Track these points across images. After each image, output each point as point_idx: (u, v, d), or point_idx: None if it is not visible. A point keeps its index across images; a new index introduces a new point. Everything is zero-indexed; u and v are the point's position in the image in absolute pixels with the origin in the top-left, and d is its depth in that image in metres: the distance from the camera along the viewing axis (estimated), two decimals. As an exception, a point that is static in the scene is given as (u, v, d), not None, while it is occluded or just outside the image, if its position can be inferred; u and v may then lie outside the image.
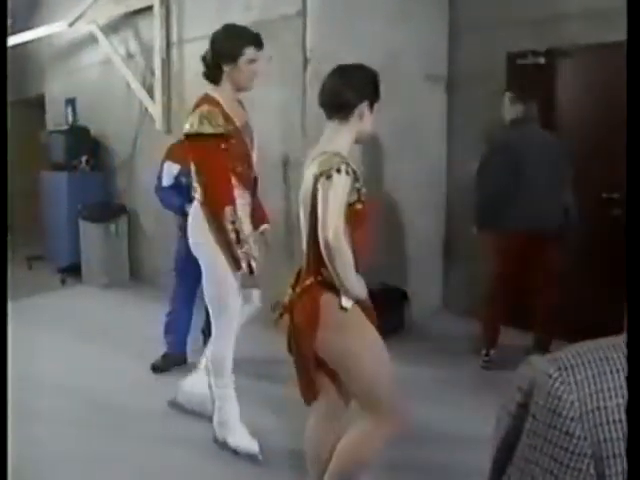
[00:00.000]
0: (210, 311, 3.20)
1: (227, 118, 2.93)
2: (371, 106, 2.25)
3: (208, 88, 3.05)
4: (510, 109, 4.18)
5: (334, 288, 2.14)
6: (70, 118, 7.38)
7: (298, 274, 2.30)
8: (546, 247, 4.18)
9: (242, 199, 3.07)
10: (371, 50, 4.40)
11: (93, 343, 4.82)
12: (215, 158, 2.90)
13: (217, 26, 5.39)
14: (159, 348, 4.32)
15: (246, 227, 3.09)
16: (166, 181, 4.24)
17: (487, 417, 1.04)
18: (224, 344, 3.18)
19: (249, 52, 2.98)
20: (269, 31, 4.78)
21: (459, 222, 5.16)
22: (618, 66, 4.37)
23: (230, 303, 3.10)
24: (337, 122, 2.24)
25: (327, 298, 2.15)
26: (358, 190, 2.15)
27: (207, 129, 2.86)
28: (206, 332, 4.42)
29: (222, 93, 3.01)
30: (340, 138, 2.23)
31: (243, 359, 3.62)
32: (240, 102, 3.17)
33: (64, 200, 6.83)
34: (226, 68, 2.97)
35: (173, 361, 4.28)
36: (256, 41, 3.01)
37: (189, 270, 4.14)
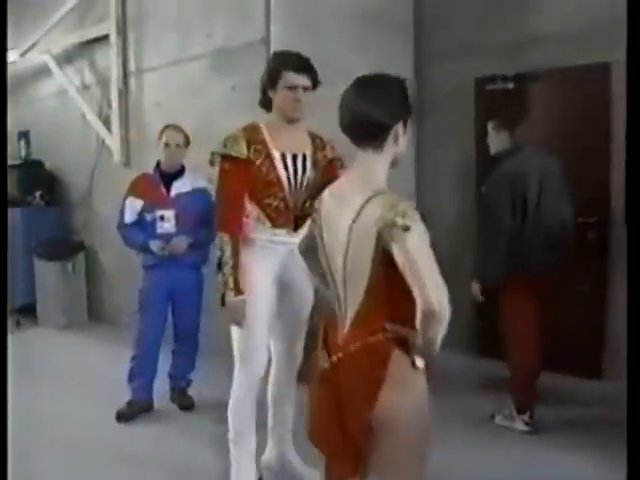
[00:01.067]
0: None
1: (258, 143, 2.74)
2: (405, 123, 1.88)
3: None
4: (496, 140, 3.89)
5: (403, 345, 1.82)
6: (23, 152, 7.08)
7: (325, 332, 1.99)
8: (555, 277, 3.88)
9: (271, 236, 2.81)
10: (336, 78, 4.25)
11: (51, 389, 4.51)
12: (225, 180, 2.77)
13: (178, 55, 5.45)
14: (123, 394, 4.06)
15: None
16: (129, 217, 4.03)
17: None
18: (238, 398, 2.90)
19: (288, 77, 2.72)
20: (232, 60, 4.70)
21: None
22: (587, 90, 4.45)
23: (248, 354, 2.84)
24: (371, 151, 1.86)
25: (397, 355, 1.81)
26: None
27: (221, 150, 2.75)
28: (173, 375, 4.20)
29: (269, 121, 2.84)
30: (378, 170, 1.87)
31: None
32: (314, 136, 2.91)
33: (18, 237, 6.51)
34: (271, 94, 2.80)
35: (139, 408, 4.03)
36: (297, 65, 2.74)
37: (155, 310, 4.01)
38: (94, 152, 6.22)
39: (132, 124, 5.80)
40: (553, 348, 4.30)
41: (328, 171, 2.86)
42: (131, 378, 4.07)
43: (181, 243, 3.92)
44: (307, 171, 2.82)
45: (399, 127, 1.85)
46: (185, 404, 4.15)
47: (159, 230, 3.95)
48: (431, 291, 1.65)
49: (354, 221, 1.80)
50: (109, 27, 5.73)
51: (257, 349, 2.83)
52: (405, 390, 1.80)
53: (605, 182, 4.35)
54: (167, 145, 3.97)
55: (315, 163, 2.84)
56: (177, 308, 4.10)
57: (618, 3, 4.13)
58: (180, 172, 4.04)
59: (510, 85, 4.66)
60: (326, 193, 2.00)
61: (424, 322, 1.68)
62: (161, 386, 4.16)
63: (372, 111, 1.80)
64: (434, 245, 1.75)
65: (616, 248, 4.36)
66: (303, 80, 2.73)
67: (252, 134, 2.76)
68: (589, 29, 4.26)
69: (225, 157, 2.73)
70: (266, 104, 2.83)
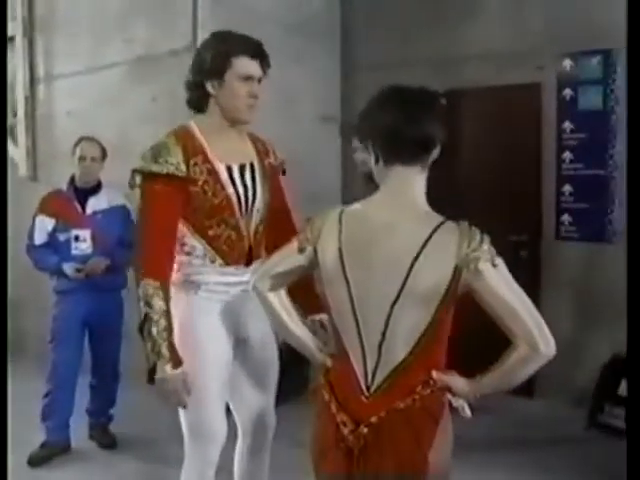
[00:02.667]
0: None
1: (196, 154, 2.08)
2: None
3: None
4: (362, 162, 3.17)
5: (448, 392, 1.63)
6: None
7: (331, 387, 1.67)
8: None
9: (220, 277, 2.16)
10: (269, 87, 4.08)
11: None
12: (153, 207, 2.05)
13: (93, 61, 5.09)
14: (37, 435, 3.67)
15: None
16: (39, 238, 3.67)
17: None
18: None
19: (240, 64, 2.08)
20: (154, 68, 4.41)
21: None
22: (518, 108, 4.46)
23: (200, 429, 2.19)
24: (419, 166, 1.61)
25: (446, 406, 1.63)
26: None
27: (148, 166, 2.05)
28: (92, 412, 3.87)
29: (205, 123, 2.15)
30: (422, 191, 1.64)
31: None
32: (256, 140, 2.32)
33: None
34: (210, 88, 2.10)
35: (55, 450, 3.66)
36: (252, 49, 2.11)
37: (70, 340, 3.67)
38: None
39: (40, 135, 5.38)
40: (484, 364, 4.30)
41: (274, 182, 2.31)
42: (45, 416, 3.69)
43: (98, 265, 3.62)
44: (257, 185, 2.21)
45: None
46: (106, 442, 3.82)
47: (74, 251, 3.63)
48: (536, 331, 1.52)
49: (417, 257, 1.51)
50: (14, 28, 5.29)
51: (211, 423, 2.17)
52: (448, 435, 1.64)
53: (536, 200, 4.37)
54: (82, 159, 3.67)
55: (264, 174, 2.25)
56: (95, 337, 3.77)
57: (551, 23, 4.22)
58: (96, 188, 3.74)
59: (442, 101, 4.60)
60: (343, 213, 1.64)
61: (521, 364, 1.55)
62: (79, 424, 3.80)
63: (426, 121, 1.57)
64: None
65: (548, 265, 4.38)
66: (258, 69, 2.12)
67: (187, 142, 2.09)
68: (520, 48, 4.28)
69: (152, 176, 2.04)
70: (199, 102, 2.15)
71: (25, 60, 5.32)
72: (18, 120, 5.41)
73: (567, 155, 4.26)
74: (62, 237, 3.63)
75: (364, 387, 1.60)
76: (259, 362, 2.30)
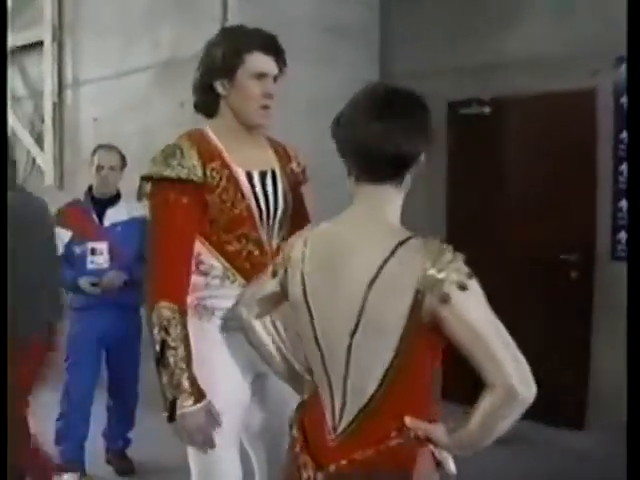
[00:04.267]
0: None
1: (213, 158, 1.85)
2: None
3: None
4: None
5: (426, 444, 1.37)
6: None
7: (302, 425, 1.49)
8: None
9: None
10: (293, 96, 3.87)
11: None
12: (164, 218, 1.81)
13: (120, 66, 4.95)
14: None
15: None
16: (55, 251, 3.48)
17: None
18: None
19: (254, 61, 1.85)
20: (181, 72, 4.21)
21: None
22: (571, 118, 4.11)
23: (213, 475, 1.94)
24: (393, 185, 1.39)
25: (422, 459, 1.35)
26: None
27: (159, 170, 1.81)
28: (109, 435, 3.71)
29: (220, 127, 1.92)
30: (396, 209, 1.42)
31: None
32: (276, 144, 2.08)
33: None
34: (220, 88, 1.89)
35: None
36: (266, 44, 1.88)
37: (86, 359, 3.50)
38: (23, 172, 5.61)
39: (67, 142, 5.29)
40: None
41: (295, 192, 2.06)
42: (59, 439, 3.52)
43: (116, 280, 3.43)
44: (279, 194, 1.96)
45: (422, 157, 1.40)
46: (123, 468, 3.64)
47: (90, 265, 3.46)
48: (511, 368, 1.26)
49: (374, 280, 1.30)
50: (43, 32, 5.21)
51: (225, 470, 1.92)
52: None
53: (590, 216, 4.03)
54: (100, 168, 3.51)
55: (286, 182, 2.00)
56: (112, 357, 3.60)
57: (600, 27, 3.92)
58: (115, 199, 3.57)
59: (486, 110, 4.32)
60: (310, 234, 1.48)
61: (498, 409, 1.27)
62: (94, 448, 3.62)
63: (403, 135, 1.34)
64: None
65: (601, 288, 4.03)
66: (273, 65, 1.89)
67: (202, 144, 1.87)
68: (572, 51, 3.98)
69: (164, 182, 1.80)
70: (208, 106, 1.95)
71: (54, 65, 5.23)
72: (45, 127, 5.32)
73: (625, 167, 3.92)
74: (78, 250, 3.48)
75: (331, 427, 1.41)
76: (279, 399, 1.98)
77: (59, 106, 5.27)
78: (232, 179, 1.85)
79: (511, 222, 4.28)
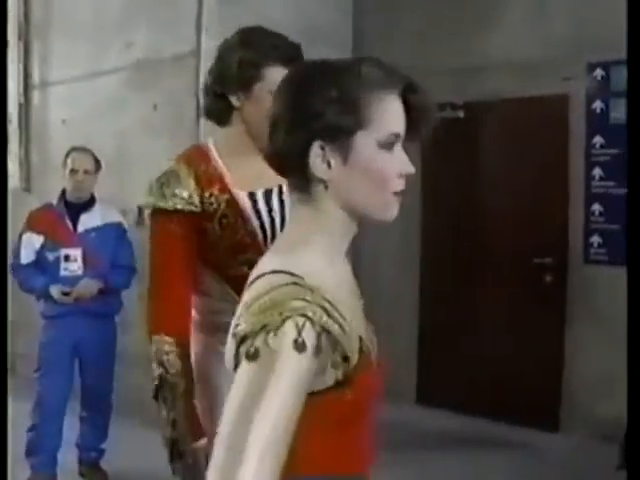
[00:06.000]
0: None
1: (213, 183, 1.74)
2: (342, 147, 1.01)
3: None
4: None
5: None
6: None
7: None
8: None
9: None
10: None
11: None
12: (162, 248, 1.77)
13: (91, 67, 4.86)
14: (22, 470, 3.39)
15: None
16: (26, 257, 3.45)
17: None
18: None
19: (273, 74, 1.68)
20: (156, 74, 4.20)
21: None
22: (545, 120, 4.14)
23: None
24: (296, 199, 1.08)
25: None
26: (345, 358, 0.97)
27: (155, 201, 1.75)
28: (82, 446, 3.62)
29: (226, 141, 1.82)
30: (303, 232, 1.05)
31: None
32: None
33: None
34: (235, 100, 1.75)
35: (41, 488, 3.40)
36: (287, 56, 1.72)
37: (58, 369, 3.42)
38: (-12, 174, 5.50)
39: (34, 144, 5.18)
40: (507, 397, 4.06)
41: None
42: (30, 451, 3.45)
43: (89, 288, 3.37)
44: (286, 212, 1.80)
45: (320, 153, 1.01)
46: (97, 479, 3.56)
47: (63, 272, 3.40)
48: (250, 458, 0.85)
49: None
50: (9, 31, 5.06)
51: None
52: None
53: (563, 221, 4.10)
54: (73, 171, 3.43)
55: None
56: (85, 366, 3.52)
57: (573, 34, 3.97)
58: (89, 203, 3.50)
59: (460, 114, 4.35)
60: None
61: None
62: (67, 459, 3.54)
63: (278, 127, 1.04)
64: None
65: (575, 291, 4.09)
66: None
67: (201, 167, 1.77)
68: (546, 57, 4.03)
69: (160, 212, 1.75)
70: (221, 115, 1.80)
71: (20, 65, 5.13)
72: (11, 128, 5.18)
73: (597, 172, 4.00)
74: (51, 256, 3.41)
75: None
76: None
77: (25, 107, 5.17)
78: (232, 204, 1.75)
79: (485, 226, 4.32)
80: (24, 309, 4.31)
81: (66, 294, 3.33)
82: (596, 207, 4.01)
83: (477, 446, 3.90)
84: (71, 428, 3.54)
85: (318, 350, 0.91)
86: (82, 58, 4.68)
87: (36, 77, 5.14)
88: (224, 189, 1.75)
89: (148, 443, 3.82)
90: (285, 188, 1.80)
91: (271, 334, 0.89)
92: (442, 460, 3.73)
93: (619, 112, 3.91)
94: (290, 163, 1.03)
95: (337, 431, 1.01)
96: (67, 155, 3.49)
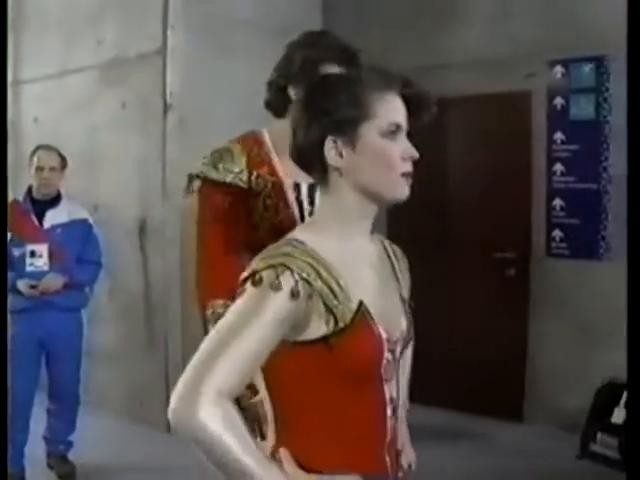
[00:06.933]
0: None
1: (262, 165, 1.88)
2: (350, 138, 1.19)
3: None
4: None
5: None
6: None
7: None
8: None
9: None
10: (245, 95, 3.89)
11: None
12: (213, 217, 1.87)
13: (62, 65, 4.87)
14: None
15: None
16: (-8, 254, 3.43)
17: None
18: None
19: (328, 71, 1.83)
20: (123, 72, 4.23)
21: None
22: (508, 117, 4.18)
23: None
24: (319, 192, 1.28)
25: None
26: (332, 313, 1.14)
27: (207, 171, 1.87)
28: (50, 439, 3.66)
29: (280, 132, 1.85)
30: (323, 217, 1.26)
31: None
32: None
33: None
34: (293, 94, 1.87)
35: (8, 481, 3.41)
36: (344, 57, 1.86)
37: (25, 362, 3.43)
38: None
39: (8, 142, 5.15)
40: (472, 388, 4.13)
41: None
42: (-4, 445, 3.44)
43: (54, 282, 3.40)
44: None
45: (333, 146, 1.19)
46: (65, 472, 3.59)
47: (29, 268, 3.42)
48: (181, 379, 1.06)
49: None
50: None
51: None
52: None
53: (526, 215, 4.17)
54: (39, 169, 3.46)
55: None
56: (52, 359, 3.55)
57: (535, 32, 4.04)
58: (55, 200, 3.54)
59: (428, 110, 4.41)
60: None
61: None
62: (35, 451, 3.57)
63: (299, 123, 1.24)
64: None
65: (537, 284, 4.16)
66: None
67: (254, 150, 1.90)
68: (509, 54, 4.10)
69: (211, 183, 1.87)
70: (279, 107, 1.93)
71: (-8, 63, 5.10)
72: (-16, 126, 5.19)
73: (558, 167, 4.07)
74: (17, 252, 3.42)
75: None
76: None
77: (-2, 105, 5.17)
78: (277, 186, 1.87)
79: (449, 221, 4.39)
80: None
81: (33, 287, 3.37)
82: (557, 202, 4.08)
83: (442, 437, 3.95)
84: (39, 421, 3.57)
85: (294, 294, 1.10)
86: (53, 56, 4.68)
87: (9, 76, 5.13)
88: (272, 172, 1.87)
89: (115, 435, 3.90)
90: None
91: (257, 276, 1.11)
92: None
93: (579, 109, 3.99)
94: (309, 156, 1.22)
95: (336, 400, 1.16)
96: (33, 153, 3.53)
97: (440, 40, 4.33)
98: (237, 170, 1.85)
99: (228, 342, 1.06)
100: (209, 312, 1.81)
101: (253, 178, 1.86)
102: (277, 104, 1.94)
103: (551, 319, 4.09)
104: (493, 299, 4.20)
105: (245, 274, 1.15)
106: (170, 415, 1.03)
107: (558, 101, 4.04)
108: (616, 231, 3.82)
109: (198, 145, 3.85)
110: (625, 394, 3.61)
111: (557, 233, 4.09)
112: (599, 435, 3.66)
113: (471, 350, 4.21)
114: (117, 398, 4.25)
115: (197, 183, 1.90)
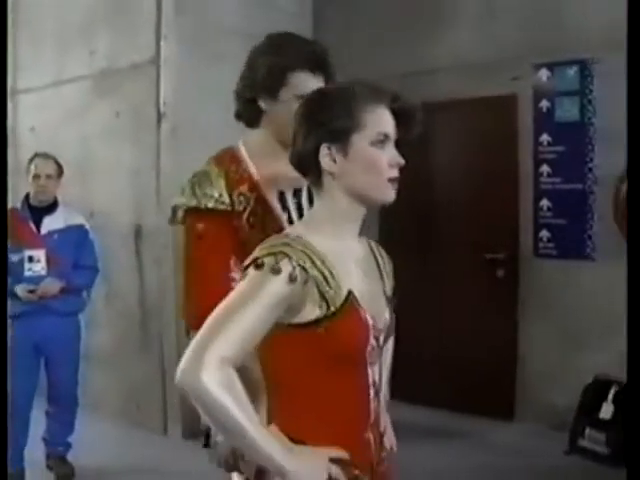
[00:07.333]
0: None
1: (242, 181, 1.80)
2: (343, 146, 1.32)
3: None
4: None
5: None
6: None
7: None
8: None
9: None
10: (227, 101, 3.96)
11: None
12: (197, 245, 1.81)
13: (57, 76, 4.96)
14: (-14, 466, 3.48)
15: None
16: (-10, 260, 3.50)
17: None
18: None
19: (299, 80, 1.75)
20: (117, 82, 4.29)
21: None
22: (494, 119, 4.27)
23: None
24: (314, 194, 1.41)
25: None
26: (325, 298, 1.27)
27: (187, 200, 1.81)
28: (49, 440, 3.71)
29: (255, 143, 1.87)
30: (316, 217, 1.38)
31: None
32: None
33: None
34: (263, 104, 1.81)
35: (8, 481, 3.47)
36: (313, 62, 1.78)
37: (23, 366, 3.48)
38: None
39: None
40: (463, 388, 4.18)
41: None
42: (-3, 446, 3.50)
43: (52, 287, 3.48)
44: None
45: (327, 153, 1.32)
46: (63, 473, 3.64)
47: (27, 273, 3.49)
48: (191, 350, 1.19)
49: None
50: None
51: None
52: None
53: (514, 216, 4.23)
54: (36, 176, 3.54)
55: None
56: (50, 362, 3.61)
57: (519, 36, 4.12)
58: (52, 206, 3.61)
59: (416, 114, 4.48)
60: None
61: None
62: (35, 452, 3.62)
63: (299, 132, 1.36)
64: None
65: (526, 284, 4.23)
66: (319, 85, 1.75)
67: (231, 168, 1.82)
68: (494, 58, 4.18)
69: (193, 211, 1.80)
70: (251, 117, 1.86)
71: (-10, 74, 5.17)
72: (-18, 136, 5.27)
73: (544, 169, 4.14)
74: (15, 258, 3.48)
75: None
76: None
77: (-4, 115, 5.24)
78: (261, 200, 1.79)
79: (439, 223, 4.46)
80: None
81: (31, 291, 3.43)
82: (544, 202, 4.15)
83: (433, 435, 4.01)
84: (38, 423, 3.62)
85: (292, 278, 1.22)
86: (48, 67, 4.75)
87: (7, 85, 5.21)
88: (253, 188, 1.80)
89: (113, 437, 3.97)
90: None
91: (259, 261, 1.24)
92: (399, 451, 3.85)
93: (564, 111, 4.06)
94: (306, 162, 1.35)
95: (325, 376, 1.29)
96: (30, 161, 3.59)
97: (427, 46, 4.41)
98: (217, 194, 1.78)
99: (231, 317, 1.20)
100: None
101: (235, 198, 1.79)
102: (248, 115, 1.86)
103: (539, 319, 4.14)
104: (483, 299, 4.26)
105: (247, 261, 1.27)
106: (178, 374, 1.16)
107: (544, 104, 4.12)
108: (602, 230, 3.90)
109: (191, 153, 3.98)
110: (613, 390, 3.69)
111: (544, 233, 4.16)
112: (587, 430, 3.73)
113: (462, 350, 4.26)
114: (114, 401, 4.31)
115: (180, 214, 1.84)
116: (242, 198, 1.79)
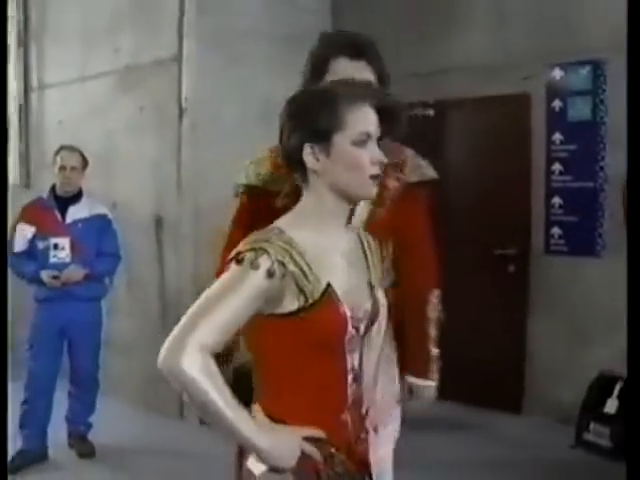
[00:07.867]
0: None
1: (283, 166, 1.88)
2: (325, 146, 1.36)
3: None
4: None
5: None
6: None
7: None
8: None
9: None
10: (254, 101, 4.07)
11: None
12: (236, 219, 2.02)
13: (83, 71, 5.10)
14: (15, 442, 3.60)
15: None
16: (19, 246, 3.68)
17: None
18: None
19: (338, 66, 1.84)
20: (140, 78, 4.42)
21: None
22: (508, 119, 4.33)
23: None
24: (302, 188, 1.45)
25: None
26: (303, 291, 1.31)
27: (239, 178, 2.01)
28: (71, 420, 3.86)
29: None
30: (303, 211, 1.43)
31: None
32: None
33: None
34: None
35: (31, 458, 3.62)
36: (352, 49, 1.87)
37: (48, 348, 3.66)
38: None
39: (33, 143, 5.40)
40: (473, 382, 4.25)
41: (402, 206, 1.96)
42: (23, 424, 3.66)
43: (75, 274, 3.61)
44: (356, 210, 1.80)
45: (310, 151, 1.36)
46: (84, 451, 3.79)
47: (52, 259, 3.63)
48: (175, 336, 1.25)
49: None
50: (9, 37, 5.33)
51: None
52: None
53: (525, 213, 4.29)
54: (62, 168, 3.68)
55: (379, 196, 1.73)
56: (73, 346, 3.75)
57: (532, 36, 4.18)
58: (77, 197, 3.75)
59: (430, 111, 4.56)
60: None
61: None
62: (57, 431, 3.76)
63: (283, 128, 1.42)
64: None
65: (536, 280, 4.29)
66: (360, 69, 1.82)
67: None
68: (508, 58, 4.24)
69: (242, 186, 2.00)
70: None
71: (19, 69, 5.35)
72: (12, 127, 5.44)
73: (557, 167, 4.19)
74: (41, 245, 3.63)
75: None
76: None
77: (25, 108, 5.39)
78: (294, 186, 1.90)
79: (452, 219, 4.52)
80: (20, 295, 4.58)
81: (55, 277, 3.57)
82: (556, 200, 4.20)
83: (443, 428, 4.04)
84: (61, 403, 3.76)
85: (270, 273, 1.27)
86: (74, 63, 4.88)
87: (34, 80, 5.35)
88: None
89: (132, 420, 4.12)
90: None
91: (240, 256, 1.29)
92: (406, 441, 3.91)
93: (576, 110, 4.12)
94: (292, 159, 1.39)
95: (307, 362, 1.34)
96: (56, 153, 3.73)
97: (441, 46, 4.48)
98: (263, 172, 1.94)
99: (211, 307, 1.26)
100: None
101: (276, 178, 1.90)
102: None
103: (548, 315, 4.19)
104: (494, 295, 4.30)
105: (231, 255, 1.32)
106: (159, 361, 1.23)
107: (556, 103, 4.16)
108: (612, 228, 3.95)
109: (210, 147, 4.12)
110: (619, 385, 3.75)
111: (556, 230, 4.21)
112: (592, 425, 3.79)
113: (472, 345, 4.27)
114: (133, 386, 4.44)
115: (238, 189, 2.02)
116: (282, 180, 1.86)
